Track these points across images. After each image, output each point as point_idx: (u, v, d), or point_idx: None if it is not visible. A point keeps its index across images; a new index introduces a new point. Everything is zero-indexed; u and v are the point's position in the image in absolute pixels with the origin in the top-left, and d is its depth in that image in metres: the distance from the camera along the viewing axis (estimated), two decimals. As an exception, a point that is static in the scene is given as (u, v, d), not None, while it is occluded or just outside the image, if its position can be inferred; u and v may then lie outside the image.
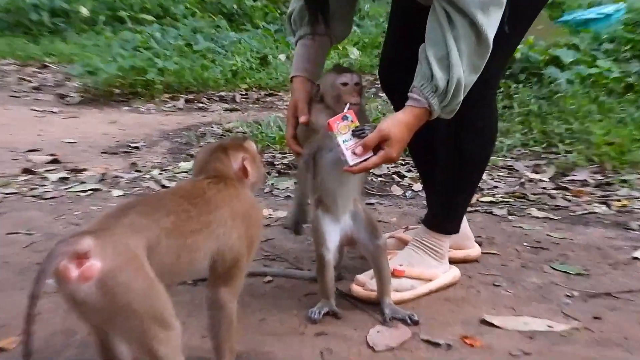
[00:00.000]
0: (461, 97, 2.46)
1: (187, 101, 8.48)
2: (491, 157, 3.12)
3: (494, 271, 3.21)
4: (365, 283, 2.88)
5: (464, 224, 3.26)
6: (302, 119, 2.71)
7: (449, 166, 2.99)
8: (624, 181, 4.71)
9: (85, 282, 1.63)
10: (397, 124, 2.45)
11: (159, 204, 1.95)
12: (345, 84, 2.62)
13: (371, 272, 2.85)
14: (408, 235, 3.33)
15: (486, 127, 2.96)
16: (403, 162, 5.22)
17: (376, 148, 2.45)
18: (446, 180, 3.02)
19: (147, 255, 1.77)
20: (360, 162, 2.45)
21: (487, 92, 2.88)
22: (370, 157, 2.46)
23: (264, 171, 2.40)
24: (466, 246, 3.34)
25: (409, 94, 2.48)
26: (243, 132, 6.28)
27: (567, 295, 2.94)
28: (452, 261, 3.16)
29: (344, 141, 2.47)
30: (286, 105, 8.08)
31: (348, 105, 2.55)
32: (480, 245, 3.43)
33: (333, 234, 2.71)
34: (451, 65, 2.39)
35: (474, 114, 2.83)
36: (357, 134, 2.47)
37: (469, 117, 2.80)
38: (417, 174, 4.74)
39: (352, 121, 2.50)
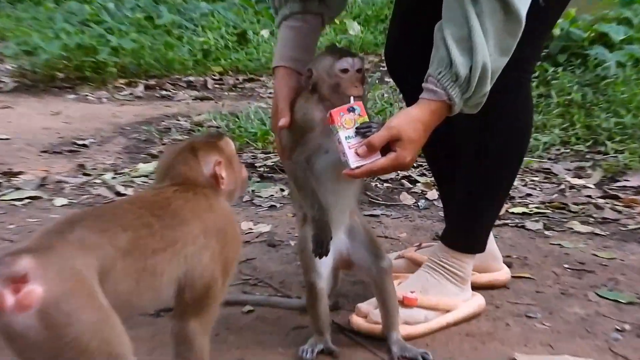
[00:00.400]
0: (488, 87, 2.47)
1: (147, 88, 8.50)
2: (524, 158, 3.14)
3: (527, 299, 3.23)
4: (368, 313, 2.88)
5: (491, 241, 3.27)
6: (282, 121, 2.69)
7: (473, 169, 3.00)
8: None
9: (24, 312, 1.63)
10: (410, 121, 2.45)
11: (114, 217, 1.96)
12: (345, 71, 2.60)
13: (374, 300, 2.86)
14: (422, 254, 3.34)
15: (519, 120, 2.98)
16: (415, 164, 5.23)
17: (385, 149, 2.46)
18: (470, 187, 3.03)
19: (100, 280, 1.78)
20: (364, 165, 2.46)
21: (520, 78, 2.89)
22: (377, 159, 2.46)
23: (244, 177, 2.41)
24: (493, 268, 3.35)
25: (424, 85, 2.49)
26: (217, 127, 6.29)
27: (617, 329, 2.95)
28: (476, 286, 3.18)
29: (346, 138, 2.46)
30: (270, 93, 8.10)
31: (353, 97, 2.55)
32: (510, 267, 3.44)
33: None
34: (474, 47, 2.39)
35: (504, 104, 2.85)
36: (362, 131, 2.46)
37: (499, 108, 2.81)
38: (433, 179, 4.75)
39: (359, 115, 2.50)
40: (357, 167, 2.44)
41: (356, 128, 2.46)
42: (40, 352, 1.69)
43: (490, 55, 2.40)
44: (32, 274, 1.64)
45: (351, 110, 2.48)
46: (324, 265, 2.71)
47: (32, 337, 1.65)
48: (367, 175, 2.50)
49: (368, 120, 2.49)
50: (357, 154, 2.43)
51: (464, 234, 3.08)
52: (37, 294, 1.64)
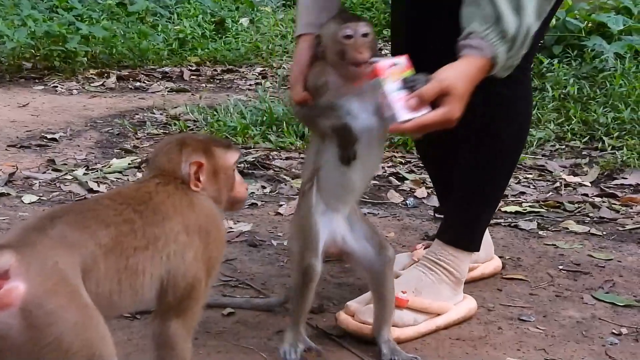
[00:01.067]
0: (524, 51, 2.54)
1: (119, 79, 8.45)
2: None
3: (521, 302, 3.28)
4: (355, 312, 2.90)
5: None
6: (297, 96, 2.74)
7: (473, 159, 3.05)
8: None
9: (4, 310, 1.66)
10: (459, 76, 2.51)
11: (95, 213, 1.99)
12: (349, 37, 2.63)
13: (364, 297, 2.88)
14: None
15: (523, 111, 3.03)
16: (403, 161, 5.26)
17: (431, 105, 2.49)
18: (473, 180, 3.08)
19: (82, 278, 1.80)
20: (414, 118, 2.47)
21: (524, 67, 2.94)
22: (426, 113, 2.48)
23: (237, 195, 2.39)
24: (491, 255, 3.43)
25: (465, 42, 2.54)
26: (194, 121, 6.29)
27: (614, 333, 3.02)
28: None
29: (393, 91, 2.49)
30: (249, 85, 8.11)
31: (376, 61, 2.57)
32: (502, 268, 3.49)
33: (322, 236, 2.72)
34: (523, 6, 2.47)
35: (512, 93, 2.89)
36: (411, 84, 2.50)
37: (506, 97, 2.85)
38: (420, 176, 4.79)
39: (404, 68, 2.53)
40: (406, 121, 2.47)
41: (403, 80, 2.50)
42: (21, 353, 1.71)
43: (534, 16, 2.47)
44: (13, 271, 1.66)
45: (394, 64, 2.52)
46: (321, 247, 2.71)
47: (12, 337, 1.67)
48: (416, 130, 2.53)
49: (414, 73, 2.53)
50: (406, 107, 2.47)
51: (464, 230, 3.12)
52: (19, 292, 1.66)
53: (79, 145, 5.79)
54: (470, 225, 3.14)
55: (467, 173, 3.08)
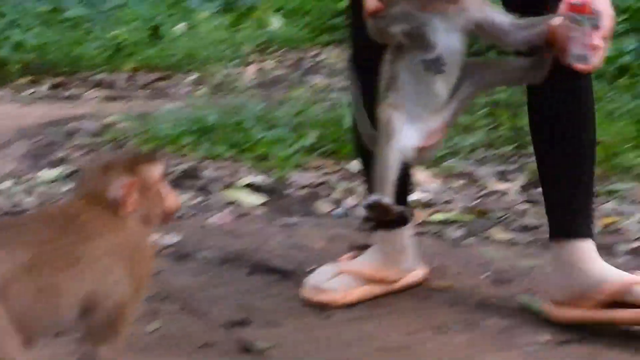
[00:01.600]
0: None
1: (52, 86, 8.40)
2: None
3: (445, 311, 3.31)
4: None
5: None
6: (371, 5, 2.68)
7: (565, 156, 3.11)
8: (612, 192, 4.80)
9: None
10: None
11: (17, 231, 1.99)
12: None
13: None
14: (362, 266, 3.38)
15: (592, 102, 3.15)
16: (331, 171, 5.19)
17: None
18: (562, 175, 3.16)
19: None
20: (593, 60, 2.50)
21: None
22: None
23: (170, 207, 2.36)
24: (418, 265, 3.51)
25: None
26: (127, 129, 6.24)
27: (538, 340, 3.05)
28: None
29: (589, 30, 2.49)
30: (184, 93, 8.09)
31: None
32: (428, 278, 3.52)
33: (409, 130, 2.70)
34: None
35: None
36: (596, 22, 2.50)
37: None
38: (349, 186, 4.77)
39: (591, 2, 2.52)
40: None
41: (589, 18, 2.49)
42: None
43: None
44: None
45: None
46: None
47: None
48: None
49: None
50: (592, 48, 2.49)
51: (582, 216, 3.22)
52: None
53: (8, 156, 5.71)
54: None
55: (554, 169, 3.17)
